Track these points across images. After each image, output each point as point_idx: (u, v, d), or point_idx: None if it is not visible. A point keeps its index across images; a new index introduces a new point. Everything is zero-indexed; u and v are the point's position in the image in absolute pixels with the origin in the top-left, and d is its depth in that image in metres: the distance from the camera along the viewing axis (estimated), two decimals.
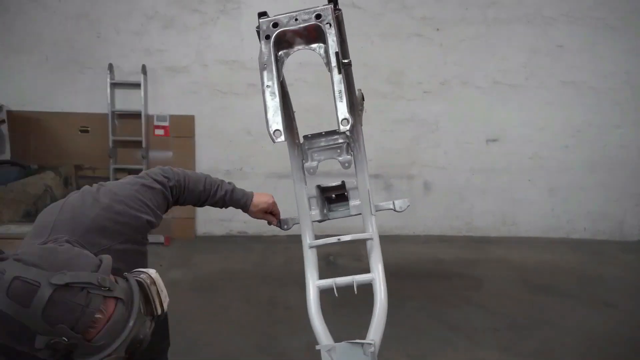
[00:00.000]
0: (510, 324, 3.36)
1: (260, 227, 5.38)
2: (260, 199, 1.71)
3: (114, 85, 5.00)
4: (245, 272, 4.17)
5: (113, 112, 5.03)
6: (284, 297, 3.62)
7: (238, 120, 5.15)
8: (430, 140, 5.32)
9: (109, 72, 4.92)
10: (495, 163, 5.43)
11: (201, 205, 1.65)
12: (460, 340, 3.12)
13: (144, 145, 5.04)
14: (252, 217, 1.72)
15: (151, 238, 4.94)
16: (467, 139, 5.37)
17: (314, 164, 1.62)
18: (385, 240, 5.88)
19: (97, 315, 0.90)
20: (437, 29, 5.19)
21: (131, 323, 0.95)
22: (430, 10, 5.16)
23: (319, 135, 1.66)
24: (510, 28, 5.21)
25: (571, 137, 5.41)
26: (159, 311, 1.08)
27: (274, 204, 1.74)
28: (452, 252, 4.87)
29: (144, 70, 4.97)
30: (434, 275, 4.26)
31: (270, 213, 1.75)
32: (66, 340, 0.87)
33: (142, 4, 4.98)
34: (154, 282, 1.09)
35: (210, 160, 5.23)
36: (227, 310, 3.43)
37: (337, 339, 1.35)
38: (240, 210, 1.74)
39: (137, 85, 4.99)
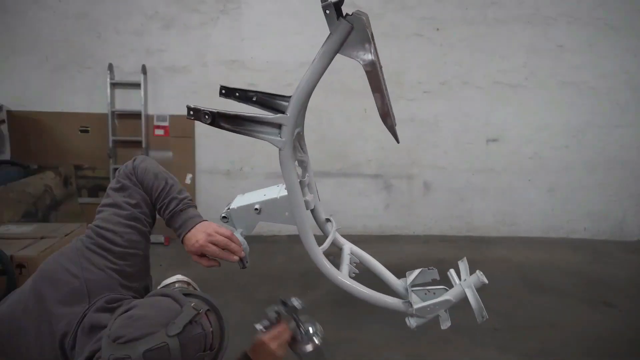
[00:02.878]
0: (510, 324, 3.36)
1: (260, 227, 5.37)
2: (194, 236, 1.32)
3: (114, 85, 5.00)
4: (245, 272, 4.16)
5: (113, 112, 5.03)
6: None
7: None
8: (430, 140, 5.32)
9: (109, 72, 4.92)
10: (495, 163, 5.43)
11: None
12: (460, 340, 3.12)
13: (143, 145, 5.04)
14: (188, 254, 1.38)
15: (151, 238, 4.91)
16: (467, 139, 5.37)
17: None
18: (386, 240, 5.86)
19: (211, 329, 1.16)
20: (437, 29, 5.19)
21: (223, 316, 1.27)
22: (430, 10, 5.16)
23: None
24: (510, 28, 5.20)
25: (571, 137, 5.41)
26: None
27: (205, 246, 1.31)
28: (452, 252, 4.87)
29: (144, 70, 4.97)
30: None
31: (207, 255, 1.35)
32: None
33: (142, 4, 4.98)
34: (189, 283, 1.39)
35: (210, 160, 5.23)
36: (227, 310, 3.43)
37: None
38: None
39: (137, 85, 4.99)
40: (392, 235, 5.33)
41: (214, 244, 1.31)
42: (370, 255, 1.58)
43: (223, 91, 1.31)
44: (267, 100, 1.23)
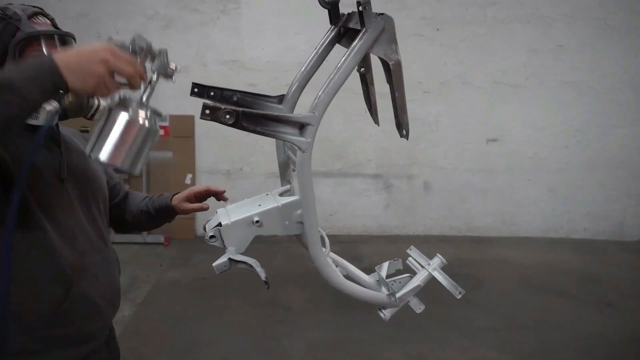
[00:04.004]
0: (510, 324, 3.36)
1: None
2: (178, 196, 1.42)
3: None
4: (245, 272, 4.16)
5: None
6: (284, 297, 3.62)
7: None
8: (430, 140, 5.32)
9: None
10: (495, 163, 5.43)
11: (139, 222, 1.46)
12: (460, 340, 3.12)
13: None
14: (182, 211, 1.42)
15: (151, 238, 4.95)
16: (467, 139, 5.37)
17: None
18: (385, 240, 5.87)
19: (40, 17, 1.05)
20: (437, 29, 5.19)
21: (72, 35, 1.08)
22: (430, 10, 5.16)
23: None
24: (510, 28, 5.21)
25: (571, 137, 5.41)
26: (96, 103, 1.11)
27: (190, 190, 1.43)
28: (452, 252, 4.87)
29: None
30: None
31: (198, 199, 1.44)
32: (16, 12, 1.00)
33: (142, 4, 4.98)
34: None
35: (210, 160, 5.23)
36: (227, 310, 3.43)
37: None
38: None
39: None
40: (392, 235, 5.33)
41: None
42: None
43: (195, 89, 1.20)
44: (249, 102, 1.19)
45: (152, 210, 1.43)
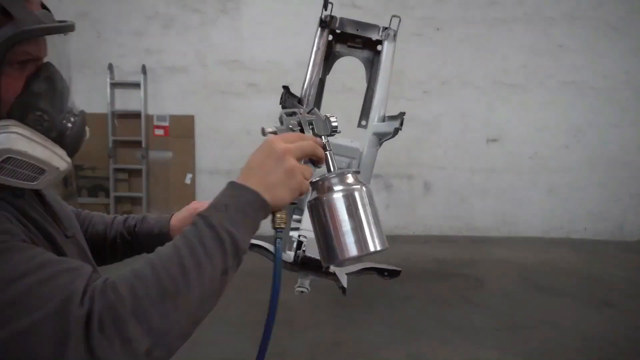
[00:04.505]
0: (510, 324, 3.36)
1: (260, 226, 5.38)
2: (178, 216, 1.04)
3: (114, 85, 5.00)
4: (245, 272, 4.17)
5: (113, 112, 5.03)
6: (284, 297, 3.62)
7: (238, 120, 5.16)
8: (430, 140, 5.32)
9: (108, 72, 4.93)
10: (495, 163, 5.43)
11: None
12: (460, 340, 3.12)
13: (143, 145, 5.04)
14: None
15: None
16: (467, 139, 5.37)
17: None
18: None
19: None
20: (437, 29, 5.19)
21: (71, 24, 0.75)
22: (430, 10, 5.16)
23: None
24: (510, 28, 5.20)
25: (571, 137, 5.41)
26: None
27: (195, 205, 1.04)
28: (452, 252, 4.87)
29: (143, 70, 4.97)
30: (434, 275, 4.26)
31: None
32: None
33: (142, 4, 4.98)
34: None
35: (210, 160, 5.23)
36: (227, 310, 3.43)
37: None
38: None
39: (137, 85, 4.99)
40: (392, 235, 5.32)
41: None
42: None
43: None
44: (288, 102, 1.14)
45: (139, 235, 1.04)
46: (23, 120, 0.65)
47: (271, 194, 0.67)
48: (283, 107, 0.99)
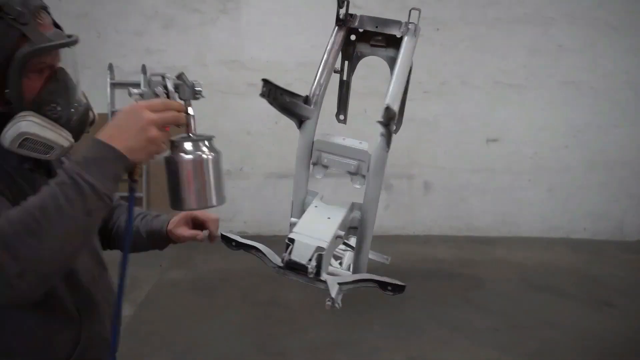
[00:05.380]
0: (510, 324, 3.36)
1: (260, 227, 5.38)
2: (176, 217, 1.28)
3: (114, 85, 5.00)
4: (245, 272, 4.17)
5: (113, 112, 5.03)
6: (284, 297, 3.62)
7: (238, 120, 5.16)
8: (430, 140, 5.32)
9: (109, 72, 4.92)
10: (495, 163, 5.43)
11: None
12: (460, 340, 3.12)
13: None
14: (175, 237, 1.29)
15: None
16: (467, 139, 5.37)
17: (321, 171, 1.23)
18: (385, 240, 5.87)
19: (42, 12, 0.89)
20: (437, 29, 5.19)
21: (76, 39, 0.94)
22: (430, 10, 5.14)
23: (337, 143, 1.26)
24: (510, 28, 5.20)
25: (571, 137, 5.41)
26: (92, 116, 1.02)
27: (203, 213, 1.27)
28: (452, 252, 4.87)
29: (143, 70, 4.97)
30: (434, 275, 4.26)
31: (192, 220, 1.28)
32: (21, 11, 0.82)
33: (142, 4, 4.98)
34: None
35: None
36: (227, 310, 3.43)
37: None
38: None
39: (137, 85, 4.98)
40: (392, 235, 5.33)
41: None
42: None
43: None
44: (287, 102, 1.15)
45: (142, 232, 1.28)
46: (40, 111, 0.87)
47: (131, 154, 0.81)
48: (270, 103, 1.04)
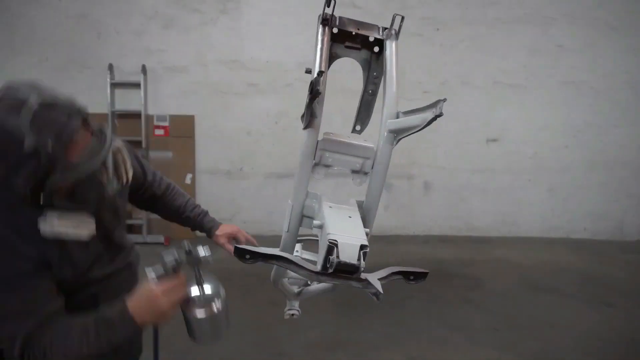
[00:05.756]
0: (510, 324, 3.36)
1: (260, 227, 5.37)
2: (225, 228, 1.61)
3: (114, 85, 5.00)
4: (245, 272, 4.17)
5: (113, 112, 5.03)
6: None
7: (238, 120, 5.16)
8: (430, 140, 5.32)
9: (109, 72, 4.92)
10: (495, 163, 5.44)
11: (172, 217, 1.63)
12: (460, 340, 3.12)
13: (144, 145, 5.04)
14: (215, 242, 1.61)
15: (151, 238, 4.95)
16: (467, 139, 5.37)
17: (322, 170, 1.21)
18: (385, 240, 5.84)
19: (76, 137, 1.00)
20: (437, 29, 5.19)
21: (105, 151, 1.05)
22: (430, 10, 5.16)
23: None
24: (510, 28, 5.21)
25: (571, 137, 5.41)
26: (125, 179, 1.20)
27: (239, 230, 1.63)
28: (452, 252, 4.87)
29: (144, 70, 4.97)
30: (434, 275, 4.26)
31: (235, 239, 1.63)
32: (49, 149, 0.95)
33: (142, 4, 4.98)
34: (120, 151, 1.19)
35: (210, 160, 5.23)
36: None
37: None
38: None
39: (137, 85, 4.98)
40: (392, 236, 5.33)
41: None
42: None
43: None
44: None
45: (191, 223, 1.60)
46: (67, 205, 1.08)
47: (145, 325, 1.11)
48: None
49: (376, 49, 1.20)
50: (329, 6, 1.09)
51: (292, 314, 1.43)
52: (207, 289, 1.19)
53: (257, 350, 2.97)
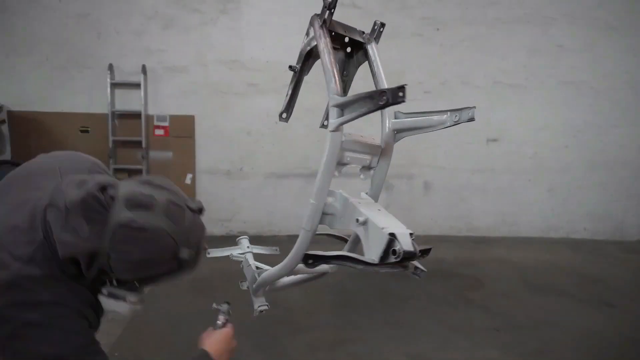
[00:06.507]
0: (510, 324, 3.36)
1: (260, 227, 5.38)
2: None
3: (114, 85, 5.00)
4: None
5: (113, 112, 5.03)
6: (284, 297, 3.62)
7: (238, 120, 5.16)
8: (430, 140, 5.32)
9: (109, 72, 4.93)
10: (495, 163, 5.44)
11: None
12: (460, 340, 3.12)
13: (143, 145, 5.04)
14: None
15: None
16: (467, 139, 5.37)
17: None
18: None
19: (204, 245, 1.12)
20: (437, 29, 5.19)
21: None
22: (430, 10, 5.16)
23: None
24: (510, 28, 5.21)
25: (571, 137, 5.41)
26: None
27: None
28: (452, 252, 4.87)
29: (144, 70, 4.97)
30: (434, 275, 4.26)
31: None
32: (198, 251, 1.05)
33: (142, 4, 4.98)
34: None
35: (210, 160, 5.23)
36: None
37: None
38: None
39: (137, 85, 4.99)
40: None
41: None
42: None
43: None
44: None
45: None
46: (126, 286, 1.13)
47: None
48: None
49: (348, 49, 1.25)
50: (329, 10, 1.12)
51: (261, 310, 1.59)
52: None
53: (257, 350, 2.97)
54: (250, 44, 5.09)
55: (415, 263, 1.09)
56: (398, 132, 1.23)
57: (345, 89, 1.30)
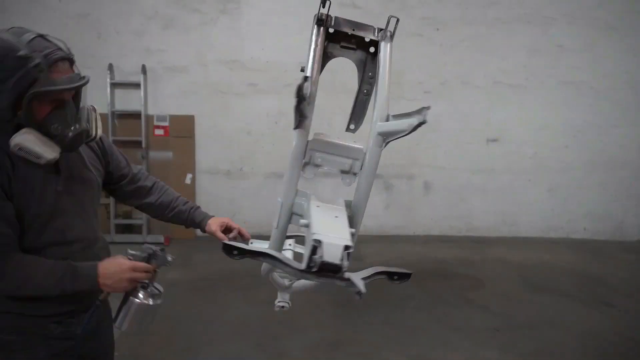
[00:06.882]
0: (510, 324, 3.36)
1: (260, 227, 5.37)
2: (217, 219, 1.65)
3: (114, 85, 5.00)
4: (245, 272, 4.18)
5: (113, 112, 5.03)
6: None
7: (238, 120, 5.16)
8: (430, 140, 5.32)
9: (109, 72, 4.92)
10: (495, 163, 5.44)
11: (164, 212, 1.69)
12: (460, 340, 3.12)
13: (143, 145, 5.04)
14: (208, 232, 1.63)
15: (151, 238, 4.95)
16: (467, 139, 5.37)
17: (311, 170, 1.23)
18: (385, 240, 5.84)
19: (61, 63, 1.18)
20: (437, 29, 5.19)
21: (82, 82, 1.23)
22: (430, 10, 5.16)
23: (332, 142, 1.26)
24: (510, 28, 5.21)
25: (571, 137, 5.41)
26: (94, 132, 1.34)
27: (230, 221, 1.66)
28: (452, 252, 4.87)
29: (143, 70, 4.97)
30: (434, 275, 4.26)
31: (227, 228, 1.65)
32: (38, 60, 1.12)
33: (142, 4, 4.98)
34: (94, 110, 1.35)
35: (210, 160, 5.23)
36: (227, 310, 3.43)
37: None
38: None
39: (137, 85, 4.99)
40: (392, 236, 5.33)
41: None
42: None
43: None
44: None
45: (183, 216, 1.65)
46: (44, 129, 1.18)
47: (106, 288, 1.28)
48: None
49: (372, 49, 1.19)
50: (324, 6, 1.09)
51: (282, 306, 1.48)
52: (158, 286, 1.37)
53: (257, 350, 2.97)
54: (250, 44, 5.09)
55: (355, 281, 0.95)
56: (385, 137, 1.17)
57: (369, 92, 1.26)
